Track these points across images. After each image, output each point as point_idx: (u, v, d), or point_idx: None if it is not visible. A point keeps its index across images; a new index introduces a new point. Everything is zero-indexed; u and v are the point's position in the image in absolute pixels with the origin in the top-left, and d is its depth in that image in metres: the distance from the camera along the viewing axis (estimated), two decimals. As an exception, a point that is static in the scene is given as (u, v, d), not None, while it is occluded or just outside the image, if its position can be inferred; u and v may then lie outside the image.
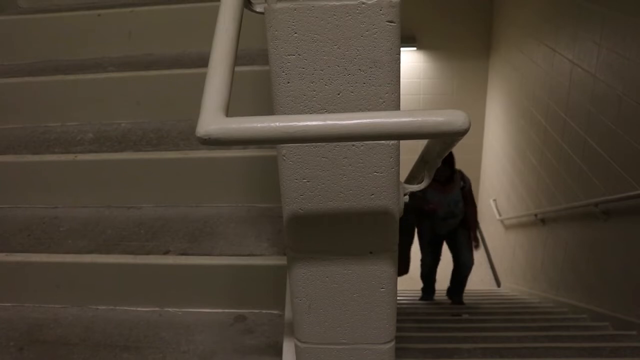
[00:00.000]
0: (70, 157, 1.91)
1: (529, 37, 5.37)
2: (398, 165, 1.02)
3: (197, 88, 1.78)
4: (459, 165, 4.67)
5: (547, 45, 4.79)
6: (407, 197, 1.09)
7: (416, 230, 4.84)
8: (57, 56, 2.38)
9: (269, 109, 1.00)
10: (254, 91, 1.96)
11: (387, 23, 0.88)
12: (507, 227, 6.37)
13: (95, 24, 2.32)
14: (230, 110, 0.82)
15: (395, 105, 0.95)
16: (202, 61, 2.16)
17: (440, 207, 4.47)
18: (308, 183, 1.02)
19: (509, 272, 6.33)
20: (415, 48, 7.01)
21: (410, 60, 7.10)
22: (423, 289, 5.41)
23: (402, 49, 6.34)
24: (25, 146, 2.03)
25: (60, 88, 2.16)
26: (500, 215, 6.56)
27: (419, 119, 0.75)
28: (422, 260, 5.08)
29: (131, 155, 1.90)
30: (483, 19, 6.91)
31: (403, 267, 4.61)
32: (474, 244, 4.88)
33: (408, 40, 6.90)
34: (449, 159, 4.41)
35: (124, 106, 2.16)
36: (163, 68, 2.15)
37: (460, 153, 5.06)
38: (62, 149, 1.98)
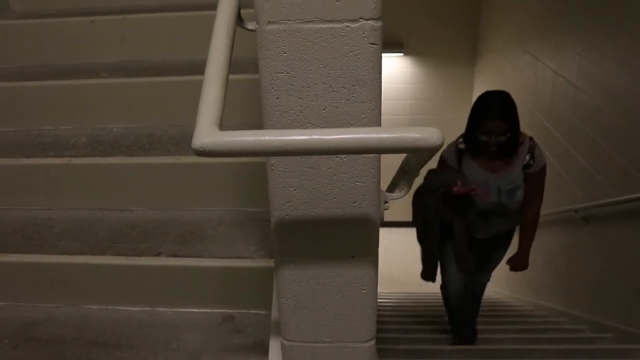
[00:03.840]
0: (64, 160, 1.96)
1: (514, 45, 5.48)
2: (379, 175, 1.09)
3: (188, 95, 1.86)
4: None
5: (530, 53, 4.90)
6: (387, 204, 1.17)
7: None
8: (50, 61, 2.43)
9: (257, 114, 1.07)
10: (244, 97, 2.02)
11: (370, 45, 0.96)
12: (491, 232, 6.45)
13: (89, 30, 2.37)
14: (223, 114, 0.89)
15: (377, 121, 1.02)
16: (193, 68, 2.22)
17: (485, 194, 2.74)
18: (295, 191, 1.09)
19: (492, 276, 6.41)
20: (402, 54, 7.10)
21: (397, 65, 7.19)
22: (453, 329, 3.46)
23: (389, 54, 6.34)
24: (20, 149, 2.07)
25: (53, 93, 2.21)
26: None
27: (397, 135, 0.82)
28: (443, 285, 3.20)
29: (124, 159, 1.96)
30: (470, 25, 7.02)
31: (429, 271, 2.99)
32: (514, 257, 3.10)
33: (395, 46, 6.99)
34: (506, 112, 2.62)
35: (117, 111, 2.21)
36: (155, 75, 2.21)
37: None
38: (56, 153, 2.03)
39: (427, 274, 3.00)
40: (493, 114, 2.59)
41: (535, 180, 2.78)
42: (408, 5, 6.80)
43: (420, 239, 2.97)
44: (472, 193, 2.66)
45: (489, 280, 3.39)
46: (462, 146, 2.80)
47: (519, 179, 2.74)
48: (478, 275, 3.29)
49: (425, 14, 6.98)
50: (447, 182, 2.71)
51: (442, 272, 3.10)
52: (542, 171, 2.78)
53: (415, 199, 2.89)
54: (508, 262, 3.15)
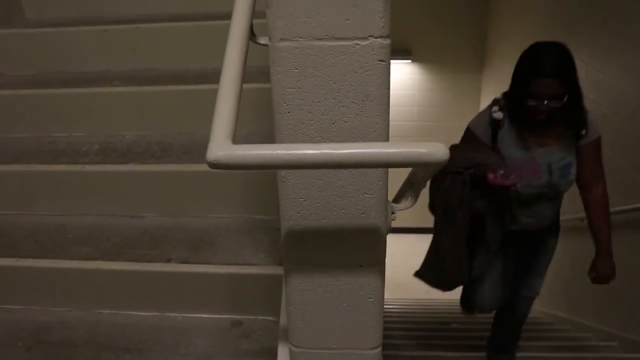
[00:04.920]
0: (78, 167, 2.00)
1: (521, 52, 5.49)
2: (387, 187, 1.12)
3: (199, 103, 1.89)
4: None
5: (537, 62, 4.91)
6: (394, 215, 1.19)
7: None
8: (64, 69, 2.47)
9: (267, 123, 1.10)
10: (254, 106, 2.06)
11: (378, 62, 0.99)
12: (497, 239, 6.45)
13: (102, 38, 2.42)
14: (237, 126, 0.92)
15: (385, 135, 1.05)
16: (204, 77, 2.26)
17: (532, 174, 2.22)
18: (304, 202, 1.12)
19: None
20: (410, 61, 7.12)
21: (405, 72, 7.21)
22: (494, 342, 3.04)
23: (397, 61, 6.32)
24: (34, 155, 2.11)
25: (66, 100, 2.25)
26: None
27: (404, 150, 0.85)
28: (468, 298, 2.73)
29: (136, 167, 2.00)
30: (477, 32, 7.03)
31: (453, 277, 2.31)
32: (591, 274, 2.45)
33: (403, 52, 7.01)
34: (563, 70, 2.11)
35: (128, 119, 2.25)
36: (167, 83, 2.25)
37: (451, 165, 5.13)
38: (69, 160, 2.07)
39: (446, 281, 2.37)
40: (545, 72, 2.09)
41: (590, 154, 2.26)
42: (416, 12, 6.83)
43: (439, 234, 2.28)
44: (513, 187, 2.10)
45: (537, 294, 2.67)
46: (497, 115, 2.26)
47: (572, 153, 2.23)
48: (522, 284, 2.61)
49: (433, 21, 7.00)
50: (478, 162, 2.15)
51: (471, 282, 2.48)
52: (598, 142, 2.26)
53: (433, 183, 2.27)
54: (590, 272, 2.49)
